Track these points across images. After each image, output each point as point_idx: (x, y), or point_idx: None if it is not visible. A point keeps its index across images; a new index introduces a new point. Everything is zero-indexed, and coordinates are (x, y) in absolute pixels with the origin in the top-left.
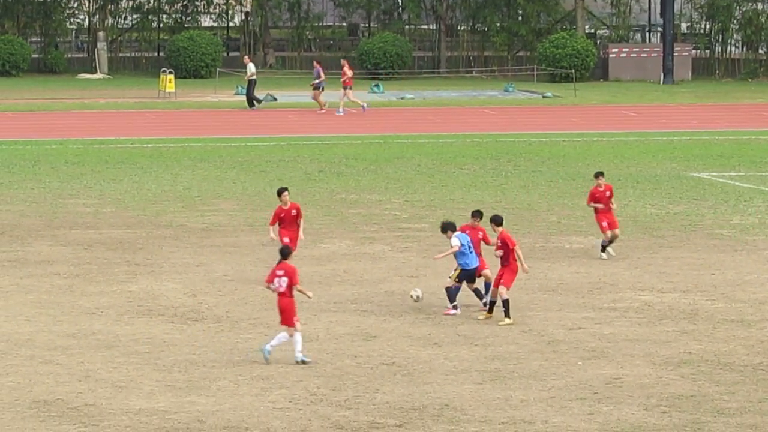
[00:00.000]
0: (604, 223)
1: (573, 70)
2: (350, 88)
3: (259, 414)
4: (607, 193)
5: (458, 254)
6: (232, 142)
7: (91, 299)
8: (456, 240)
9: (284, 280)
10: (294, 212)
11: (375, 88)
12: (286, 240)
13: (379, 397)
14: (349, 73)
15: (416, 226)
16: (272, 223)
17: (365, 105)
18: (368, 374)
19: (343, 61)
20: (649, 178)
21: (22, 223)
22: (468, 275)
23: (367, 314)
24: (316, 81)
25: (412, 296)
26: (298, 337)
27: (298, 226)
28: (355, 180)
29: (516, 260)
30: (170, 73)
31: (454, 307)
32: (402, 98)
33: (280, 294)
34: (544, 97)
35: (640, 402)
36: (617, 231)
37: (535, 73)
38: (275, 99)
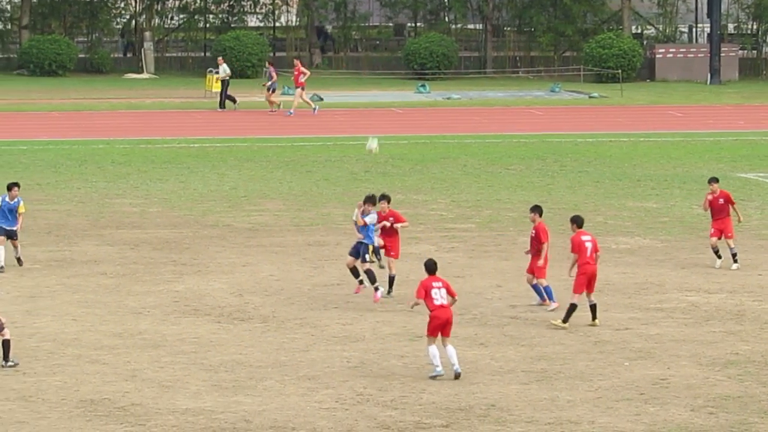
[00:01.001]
0: (712, 230)
1: (619, 71)
2: (302, 89)
3: (306, 414)
4: (721, 200)
5: (365, 231)
6: (278, 142)
7: (137, 299)
8: (374, 216)
9: (443, 292)
10: (392, 219)
11: (421, 88)
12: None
13: (426, 397)
14: (306, 72)
15: (462, 227)
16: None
17: (316, 107)
18: (414, 374)
19: (296, 61)
20: (695, 179)
21: (69, 222)
22: (376, 249)
23: (413, 314)
24: (269, 82)
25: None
26: (451, 350)
27: (397, 232)
28: (401, 180)
29: (585, 266)
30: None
31: (376, 289)
32: (448, 98)
33: (442, 307)
34: (590, 97)
35: (686, 403)
36: (730, 241)
37: (581, 73)
38: (321, 99)
